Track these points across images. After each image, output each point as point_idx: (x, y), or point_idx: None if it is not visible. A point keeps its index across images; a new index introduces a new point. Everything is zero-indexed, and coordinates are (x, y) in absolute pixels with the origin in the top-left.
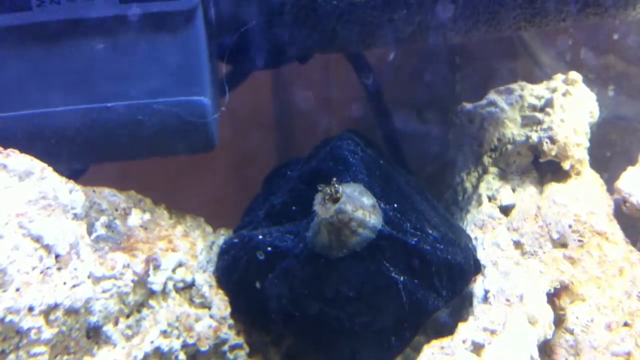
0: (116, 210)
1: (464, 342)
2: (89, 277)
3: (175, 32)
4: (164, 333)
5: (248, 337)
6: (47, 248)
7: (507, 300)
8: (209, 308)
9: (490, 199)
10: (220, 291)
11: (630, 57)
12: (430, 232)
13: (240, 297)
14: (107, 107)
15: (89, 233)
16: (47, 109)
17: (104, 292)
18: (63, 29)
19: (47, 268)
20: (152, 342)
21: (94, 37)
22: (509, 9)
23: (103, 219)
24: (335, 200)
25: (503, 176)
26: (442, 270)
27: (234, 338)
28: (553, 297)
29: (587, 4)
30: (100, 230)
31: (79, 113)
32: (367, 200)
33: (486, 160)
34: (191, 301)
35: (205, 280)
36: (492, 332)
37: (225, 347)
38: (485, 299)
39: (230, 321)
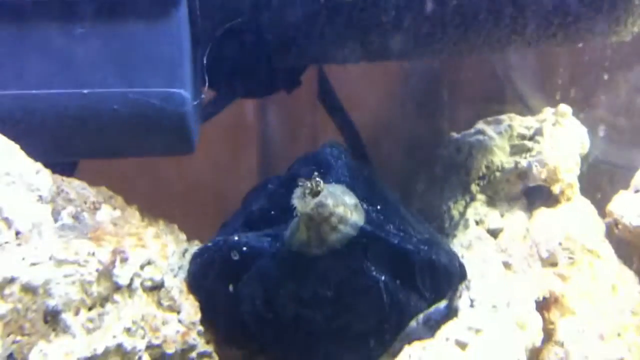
0: (85, 202)
1: (446, 340)
2: (50, 258)
3: (157, 20)
4: (128, 330)
5: (218, 348)
6: (7, 222)
7: (494, 306)
8: (178, 312)
9: (477, 222)
10: (191, 296)
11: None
12: (414, 234)
13: (212, 301)
14: (83, 93)
15: (55, 220)
16: (19, 91)
17: (65, 276)
18: (41, 10)
19: (6, 242)
20: (114, 336)
21: (73, 20)
22: (498, 20)
23: (70, 208)
24: (316, 194)
25: (491, 203)
26: (426, 271)
27: (203, 345)
28: (542, 309)
29: (578, 18)
30: (67, 219)
31: (53, 97)
32: (349, 199)
33: (474, 188)
34: (159, 303)
35: (175, 284)
36: (477, 330)
37: (193, 354)
38: (471, 307)
39: (200, 327)
